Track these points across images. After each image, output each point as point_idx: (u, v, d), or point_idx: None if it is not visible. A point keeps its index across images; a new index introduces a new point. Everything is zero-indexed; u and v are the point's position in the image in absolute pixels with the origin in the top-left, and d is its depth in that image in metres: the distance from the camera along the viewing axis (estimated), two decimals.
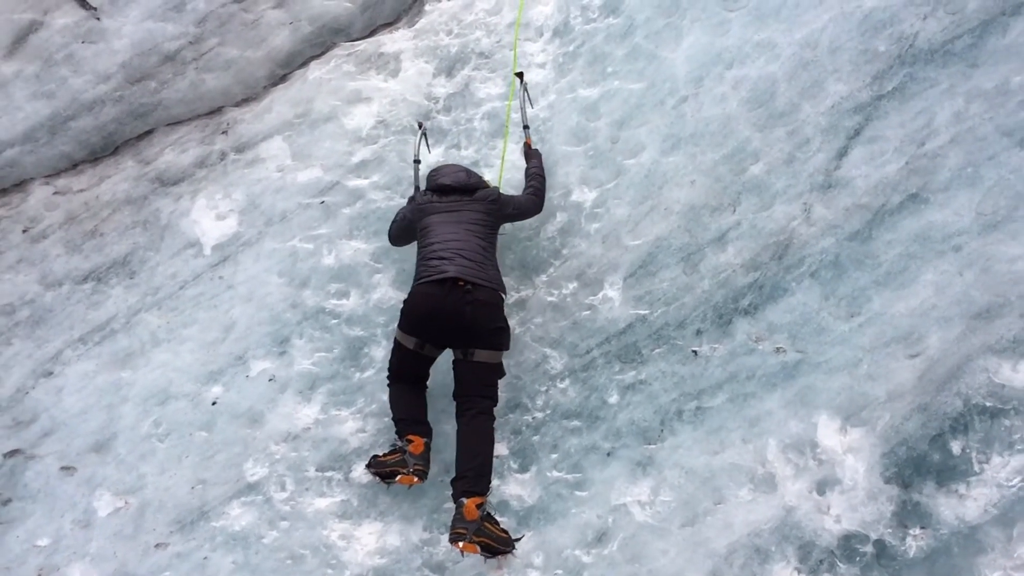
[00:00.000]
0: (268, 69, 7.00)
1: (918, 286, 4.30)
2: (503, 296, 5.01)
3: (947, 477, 3.82)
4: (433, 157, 6.20)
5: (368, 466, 4.90)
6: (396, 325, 5.04)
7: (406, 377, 5.01)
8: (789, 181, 4.95)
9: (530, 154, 5.73)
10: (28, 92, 6.65)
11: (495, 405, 4.88)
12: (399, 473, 4.68)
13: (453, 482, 4.60)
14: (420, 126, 6.06)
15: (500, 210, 5.25)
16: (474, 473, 4.56)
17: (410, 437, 4.76)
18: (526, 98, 6.06)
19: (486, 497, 4.56)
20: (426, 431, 4.88)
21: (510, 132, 6.13)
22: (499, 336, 4.87)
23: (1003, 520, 3.63)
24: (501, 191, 5.47)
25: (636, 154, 5.57)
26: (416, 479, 4.69)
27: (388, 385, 5.07)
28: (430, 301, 4.81)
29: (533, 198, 5.44)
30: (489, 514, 4.55)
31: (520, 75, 6.11)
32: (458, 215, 5.12)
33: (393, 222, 5.53)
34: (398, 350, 4.99)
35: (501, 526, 4.58)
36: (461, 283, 4.78)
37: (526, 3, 6.75)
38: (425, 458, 4.74)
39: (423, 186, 5.63)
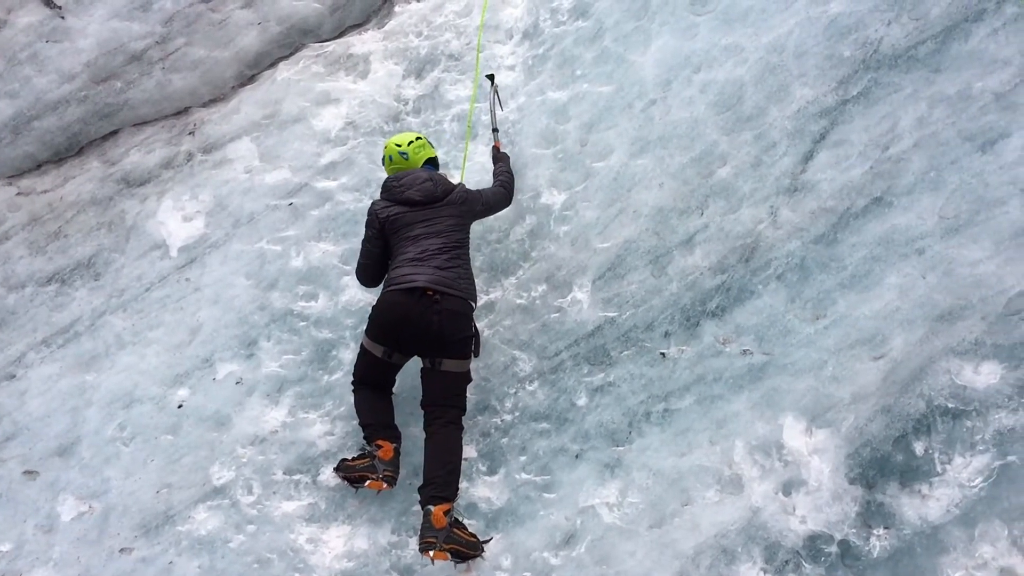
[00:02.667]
0: (236, 69, 6.96)
1: (882, 289, 4.34)
2: (473, 305, 4.98)
3: (910, 478, 3.86)
4: None
5: (337, 470, 4.88)
6: (363, 329, 5.02)
7: (371, 383, 4.99)
8: (756, 184, 4.99)
9: (498, 157, 5.73)
10: None
11: (463, 414, 4.88)
12: (368, 478, 4.67)
13: (420, 489, 4.58)
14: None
15: (471, 209, 5.21)
16: (441, 480, 4.54)
17: (379, 442, 4.75)
18: (496, 100, 6.07)
19: (453, 503, 4.55)
20: (395, 436, 4.87)
21: (480, 134, 6.13)
22: (467, 345, 4.86)
23: (965, 520, 3.66)
24: (467, 186, 5.42)
25: (605, 157, 5.59)
26: (385, 485, 4.67)
27: (353, 390, 5.04)
28: (398, 309, 4.78)
29: (501, 190, 5.43)
30: (457, 520, 4.55)
31: (491, 77, 6.11)
32: (429, 225, 5.04)
33: (359, 261, 5.28)
34: (364, 356, 4.96)
35: (469, 530, 4.57)
36: (430, 292, 4.75)
37: (496, 5, 6.76)
38: (394, 464, 4.73)
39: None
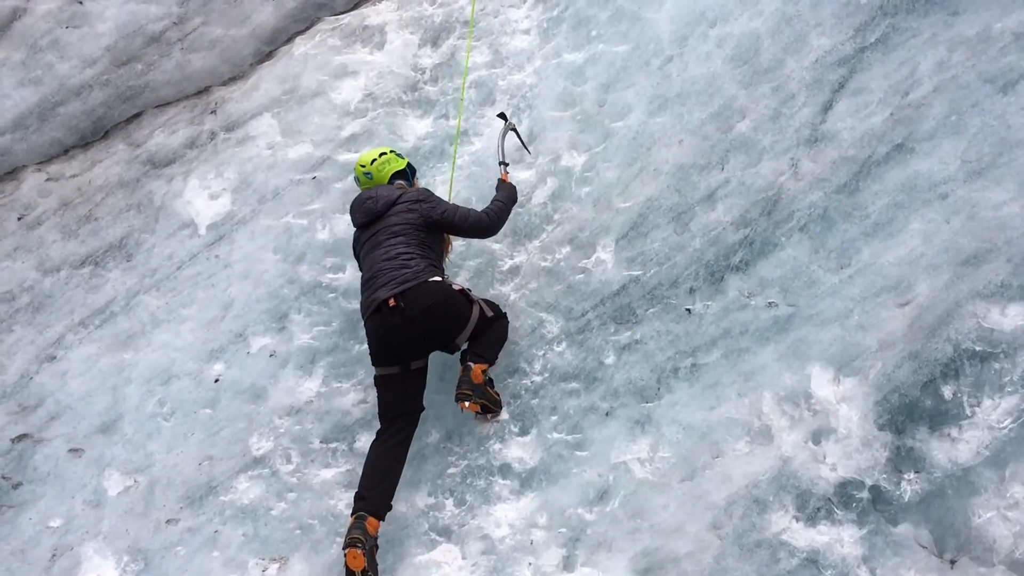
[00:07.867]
0: (254, 46, 7.01)
1: (906, 235, 4.33)
2: (440, 277, 4.86)
3: (939, 421, 3.87)
4: (422, 128, 6.22)
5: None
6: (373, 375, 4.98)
7: (398, 413, 4.81)
8: (776, 137, 4.98)
9: (501, 187, 5.39)
10: (15, 79, 6.66)
11: (501, 315, 5.08)
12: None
13: (463, 354, 4.87)
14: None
15: (431, 210, 5.01)
16: (482, 347, 4.85)
17: (347, 551, 4.38)
18: (505, 138, 5.65)
19: (490, 367, 4.92)
20: (371, 507, 4.55)
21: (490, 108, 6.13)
22: (459, 318, 4.81)
23: (995, 461, 3.67)
24: (430, 191, 5.21)
25: (623, 116, 5.59)
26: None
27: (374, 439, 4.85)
28: (380, 333, 4.76)
29: (483, 216, 5.10)
30: (491, 379, 4.99)
31: (503, 116, 5.76)
32: (377, 237, 4.98)
33: None
34: (382, 386, 4.86)
35: (496, 390, 5.03)
36: (392, 303, 4.67)
37: None
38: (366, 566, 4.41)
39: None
